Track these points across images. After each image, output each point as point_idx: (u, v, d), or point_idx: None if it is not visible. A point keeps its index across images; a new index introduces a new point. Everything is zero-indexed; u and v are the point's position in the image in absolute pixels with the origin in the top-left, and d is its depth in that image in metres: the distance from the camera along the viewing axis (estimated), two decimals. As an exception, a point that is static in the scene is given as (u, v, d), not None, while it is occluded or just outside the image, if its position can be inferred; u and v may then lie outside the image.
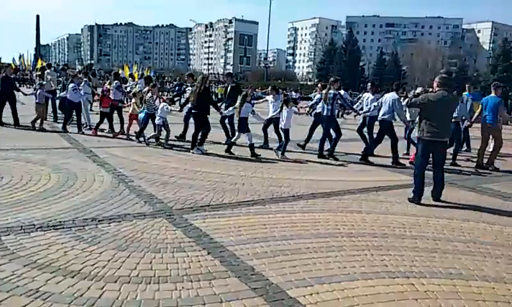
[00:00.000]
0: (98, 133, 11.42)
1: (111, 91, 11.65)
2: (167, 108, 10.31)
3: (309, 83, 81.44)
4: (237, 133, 10.01)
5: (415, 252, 4.36)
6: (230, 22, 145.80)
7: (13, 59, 53.54)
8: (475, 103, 11.70)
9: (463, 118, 10.44)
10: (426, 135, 6.26)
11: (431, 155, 6.45)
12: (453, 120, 10.01)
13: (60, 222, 4.69)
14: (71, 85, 11.91)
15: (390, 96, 9.51)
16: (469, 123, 10.85)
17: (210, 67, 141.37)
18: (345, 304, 3.29)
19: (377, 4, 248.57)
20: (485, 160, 9.72)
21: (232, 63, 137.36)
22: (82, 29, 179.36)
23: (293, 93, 31.95)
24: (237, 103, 9.81)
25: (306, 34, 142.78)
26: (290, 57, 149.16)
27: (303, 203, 5.99)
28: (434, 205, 6.26)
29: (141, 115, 10.78)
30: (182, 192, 6.22)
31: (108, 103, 11.46)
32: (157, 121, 10.28)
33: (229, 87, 11.40)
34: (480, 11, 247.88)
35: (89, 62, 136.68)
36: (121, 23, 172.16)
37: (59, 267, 3.64)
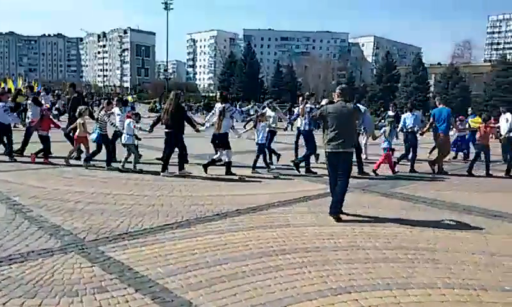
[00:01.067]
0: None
1: None
2: (133, 125, 9.36)
3: (211, 95, 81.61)
4: (218, 151, 9.34)
5: (349, 265, 4.35)
6: (125, 32, 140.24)
7: None
8: None
9: (416, 128, 11.10)
10: (328, 147, 6.13)
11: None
12: (409, 130, 10.84)
13: None
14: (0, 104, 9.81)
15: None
16: (421, 133, 11.64)
17: (105, 79, 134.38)
18: (295, 331, 3.09)
19: (271, 18, 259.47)
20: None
21: (129, 75, 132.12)
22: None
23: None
24: (215, 118, 9.24)
25: (205, 46, 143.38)
26: (190, 69, 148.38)
27: (229, 221, 5.72)
28: (356, 214, 6.37)
29: (93, 136, 9.41)
30: (93, 219, 5.55)
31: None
32: (125, 141, 9.26)
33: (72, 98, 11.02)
34: (363, 26, 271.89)
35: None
36: (0, 33, 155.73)
37: None
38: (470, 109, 18.82)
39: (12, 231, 4.95)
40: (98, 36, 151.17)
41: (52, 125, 10.25)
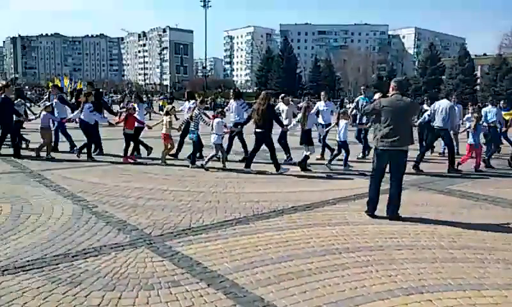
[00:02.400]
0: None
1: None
2: (223, 124, 9.49)
3: (248, 91, 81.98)
4: (306, 147, 9.40)
5: (417, 264, 4.27)
6: (164, 31, 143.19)
7: None
8: None
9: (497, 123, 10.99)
10: (381, 144, 5.76)
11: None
12: (491, 124, 10.61)
13: (28, 261, 4.07)
14: (86, 106, 10.23)
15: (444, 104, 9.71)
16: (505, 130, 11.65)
17: (146, 77, 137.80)
18: (372, 330, 3.08)
19: (307, 13, 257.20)
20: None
21: (168, 73, 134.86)
22: (4, 42, 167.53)
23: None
24: (299, 117, 9.47)
25: (242, 43, 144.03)
26: (227, 66, 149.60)
27: (287, 218, 5.75)
28: (415, 212, 6.24)
29: (193, 136, 9.55)
30: (156, 215, 5.74)
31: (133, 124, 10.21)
32: (214, 141, 9.30)
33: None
34: (403, 17, 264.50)
35: (13, 76, 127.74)
36: (46, 34, 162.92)
37: (42, 319, 3.10)
38: (502, 102, 17.86)
39: (82, 227, 5.19)
40: (139, 36, 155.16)
41: (137, 123, 10.31)
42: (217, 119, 9.37)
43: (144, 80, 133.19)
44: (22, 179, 7.77)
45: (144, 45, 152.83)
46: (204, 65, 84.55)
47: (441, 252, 4.63)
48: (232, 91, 11.87)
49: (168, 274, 3.93)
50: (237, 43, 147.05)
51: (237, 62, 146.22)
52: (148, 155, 10.60)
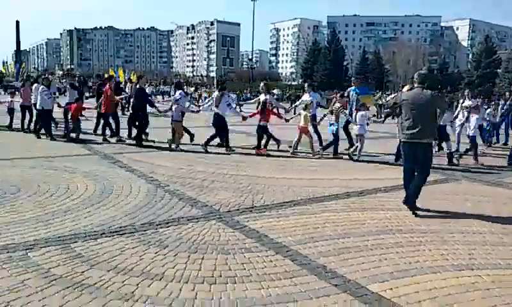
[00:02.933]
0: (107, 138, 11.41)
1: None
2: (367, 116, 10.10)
3: (293, 83, 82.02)
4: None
5: (468, 246, 4.57)
6: (212, 23, 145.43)
7: (-4, 65, 52.59)
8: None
9: None
10: (403, 137, 5.85)
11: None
12: None
13: (120, 227, 4.77)
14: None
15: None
16: None
17: (193, 69, 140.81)
18: (425, 297, 3.47)
19: (355, 4, 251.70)
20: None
21: (215, 65, 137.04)
22: (61, 34, 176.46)
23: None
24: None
25: (288, 35, 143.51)
26: (273, 58, 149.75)
27: (342, 202, 6.17)
28: (467, 201, 6.47)
29: (333, 128, 10.00)
30: (221, 195, 6.33)
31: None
32: (359, 132, 9.84)
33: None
34: (457, 9, 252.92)
35: (69, 67, 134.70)
36: (101, 27, 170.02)
37: (142, 271, 3.73)
38: None
39: (159, 202, 5.87)
40: (187, 28, 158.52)
41: (273, 115, 10.82)
42: (360, 112, 10.04)
43: (192, 72, 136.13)
44: (98, 161, 8.64)
45: (192, 37, 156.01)
46: (250, 57, 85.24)
47: (492, 236, 4.90)
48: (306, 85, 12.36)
49: (239, 242, 4.49)
50: (283, 36, 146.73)
51: (283, 55, 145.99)
52: (191, 141, 11.22)
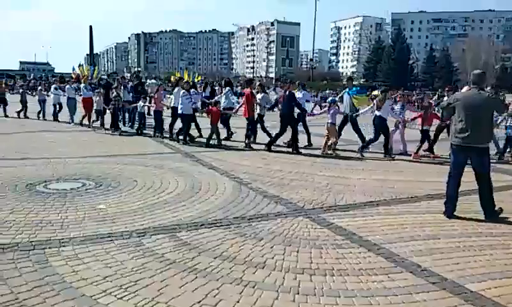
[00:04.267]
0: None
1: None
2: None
3: (354, 83, 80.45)
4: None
5: None
6: (272, 24, 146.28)
7: (73, 68, 56.61)
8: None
9: None
10: (455, 140, 5.57)
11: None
12: None
13: (216, 220, 5.14)
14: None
15: None
16: None
17: (253, 70, 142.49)
18: (528, 298, 3.46)
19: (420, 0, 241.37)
20: None
21: (274, 66, 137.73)
22: (129, 38, 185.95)
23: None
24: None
25: (349, 33, 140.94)
26: (333, 57, 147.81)
27: (425, 204, 6.15)
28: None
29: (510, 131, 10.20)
30: (303, 193, 6.55)
31: None
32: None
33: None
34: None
35: (136, 69, 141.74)
36: (166, 31, 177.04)
37: (244, 259, 4.04)
38: None
39: (245, 198, 6.20)
40: (248, 30, 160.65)
41: (435, 119, 10.98)
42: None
43: (252, 73, 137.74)
44: (181, 159, 9.20)
45: (252, 38, 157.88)
46: (311, 57, 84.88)
47: None
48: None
49: (330, 238, 4.68)
50: (344, 34, 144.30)
51: (343, 54, 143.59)
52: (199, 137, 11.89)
